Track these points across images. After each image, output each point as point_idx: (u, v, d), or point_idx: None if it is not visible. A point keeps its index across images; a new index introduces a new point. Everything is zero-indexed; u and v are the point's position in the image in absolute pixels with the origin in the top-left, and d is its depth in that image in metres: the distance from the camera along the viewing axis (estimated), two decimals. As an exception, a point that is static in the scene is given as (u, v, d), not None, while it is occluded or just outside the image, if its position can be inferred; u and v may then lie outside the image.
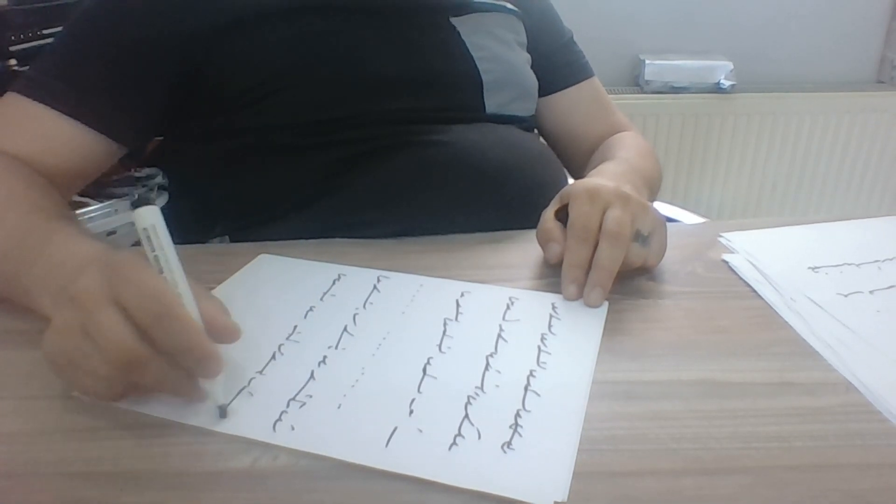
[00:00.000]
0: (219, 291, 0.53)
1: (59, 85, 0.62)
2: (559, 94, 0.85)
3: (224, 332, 0.40)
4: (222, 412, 0.39)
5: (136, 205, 0.40)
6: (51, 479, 0.35)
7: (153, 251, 0.39)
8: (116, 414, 0.40)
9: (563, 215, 0.56)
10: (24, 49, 1.29)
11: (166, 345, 0.37)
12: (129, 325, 0.37)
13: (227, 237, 0.68)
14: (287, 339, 0.47)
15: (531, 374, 0.43)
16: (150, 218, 0.39)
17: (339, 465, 0.36)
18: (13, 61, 1.26)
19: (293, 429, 0.38)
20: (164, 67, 0.65)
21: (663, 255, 0.57)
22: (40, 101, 0.61)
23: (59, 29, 0.67)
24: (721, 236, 0.63)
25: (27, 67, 0.66)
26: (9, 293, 0.51)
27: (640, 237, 0.54)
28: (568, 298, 0.52)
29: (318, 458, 0.37)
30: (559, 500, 0.34)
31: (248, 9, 0.65)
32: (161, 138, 0.74)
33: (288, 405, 0.40)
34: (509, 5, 0.79)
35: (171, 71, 0.65)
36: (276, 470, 0.36)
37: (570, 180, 0.79)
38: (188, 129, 0.69)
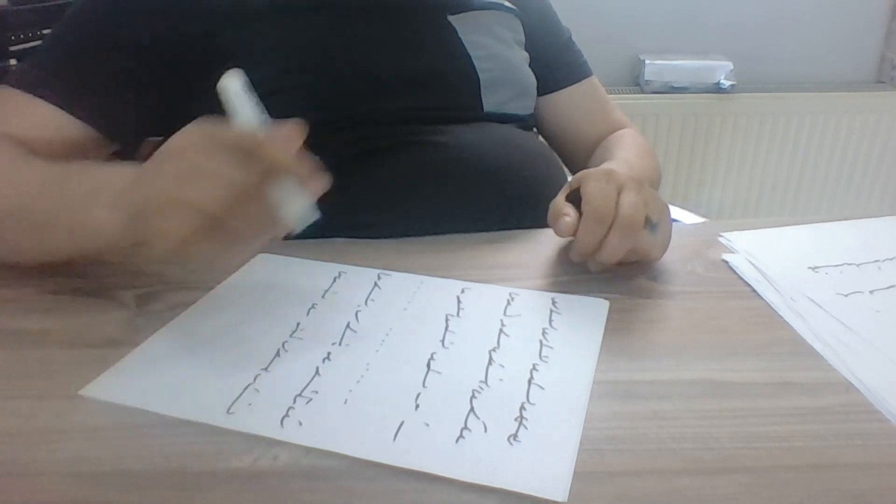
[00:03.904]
0: (219, 291, 0.53)
1: (50, 78, 0.62)
2: (558, 93, 0.85)
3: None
4: (304, 221, 0.45)
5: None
6: (51, 479, 0.35)
7: (238, 111, 0.46)
8: (116, 414, 0.40)
9: (574, 199, 0.55)
10: (24, 49, 1.29)
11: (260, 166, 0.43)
12: (230, 162, 0.43)
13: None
14: (290, 336, 0.47)
15: (534, 367, 0.44)
16: (236, 83, 0.47)
17: (339, 464, 0.36)
18: (13, 61, 1.26)
19: (301, 424, 0.39)
20: (158, 66, 0.65)
21: (666, 249, 0.57)
22: (31, 93, 0.61)
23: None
24: (721, 236, 0.63)
25: (20, 63, 0.66)
26: (56, 225, 0.52)
27: (650, 224, 0.53)
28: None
29: (319, 457, 0.37)
30: (565, 495, 0.34)
31: (241, 8, 0.65)
32: (161, 138, 0.74)
33: (294, 401, 0.40)
34: (507, 3, 0.79)
35: (165, 70, 0.65)
36: (277, 470, 0.36)
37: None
38: None
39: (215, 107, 0.68)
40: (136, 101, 0.65)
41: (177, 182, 0.43)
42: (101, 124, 0.64)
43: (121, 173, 0.50)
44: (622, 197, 0.52)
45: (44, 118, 0.62)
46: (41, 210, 0.53)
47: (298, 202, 0.45)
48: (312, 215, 0.46)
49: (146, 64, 0.64)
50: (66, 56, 0.64)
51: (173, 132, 0.70)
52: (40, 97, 0.61)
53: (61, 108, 0.62)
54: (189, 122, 0.69)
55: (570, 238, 0.54)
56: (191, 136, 0.46)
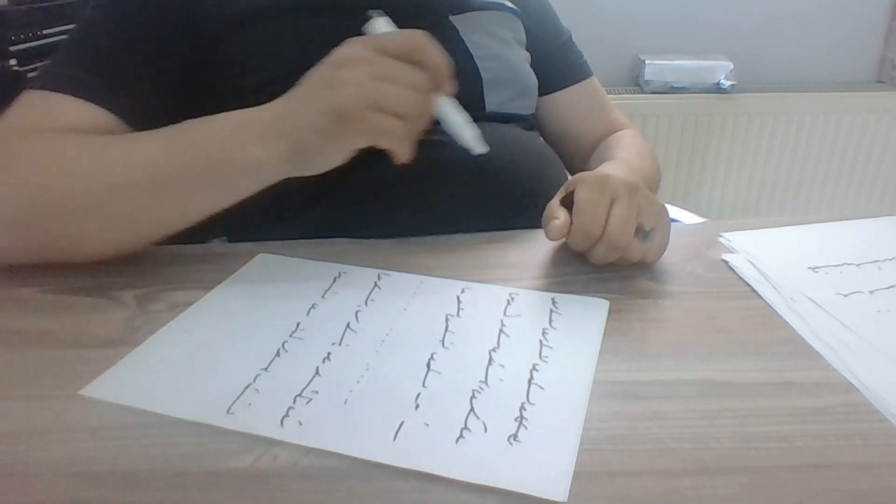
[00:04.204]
0: (219, 291, 0.53)
1: (84, 76, 0.60)
2: (558, 93, 0.85)
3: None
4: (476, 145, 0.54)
5: (364, 20, 0.53)
6: (50, 479, 0.35)
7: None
8: (116, 414, 0.40)
9: (568, 202, 0.56)
10: (24, 49, 1.29)
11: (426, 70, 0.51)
12: (405, 66, 0.49)
13: (225, 237, 0.68)
14: (290, 336, 0.47)
15: (534, 367, 0.44)
16: (381, 22, 0.53)
17: (339, 464, 0.36)
18: (13, 61, 1.26)
19: (301, 424, 0.39)
20: (178, 60, 0.64)
21: (664, 252, 0.57)
22: (61, 92, 0.59)
23: (60, 28, 0.66)
24: (721, 236, 0.63)
25: (42, 64, 0.65)
26: (191, 175, 0.53)
27: (641, 232, 0.54)
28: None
29: (319, 457, 0.37)
30: (565, 495, 0.34)
31: (245, 8, 0.65)
32: None
33: (294, 401, 0.40)
34: (508, 3, 0.79)
35: (182, 64, 0.65)
36: (276, 470, 0.36)
37: (570, 180, 0.79)
38: None
39: (222, 105, 0.68)
40: (162, 95, 0.65)
41: (365, 89, 0.48)
42: (133, 120, 0.62)
43: (254, 111, 0.53)
44: (613, 210, 0.53)
45: (81, 115, 0.60)
46: (167, 172, 0.52)
47: (462, 123, 0.52)
48: (481, 146, 0.54)
49: (168, 57, 0.64)
50: (98, 53, 0.63)
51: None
52: (78, 96, 0.59)
53: (99, 104, 0.60)
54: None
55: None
56: (353, 50, 0.50)
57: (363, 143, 0.52)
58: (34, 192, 0.53)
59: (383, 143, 0.51)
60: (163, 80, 0.65)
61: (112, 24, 0.64)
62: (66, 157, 0.54)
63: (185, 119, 0.66)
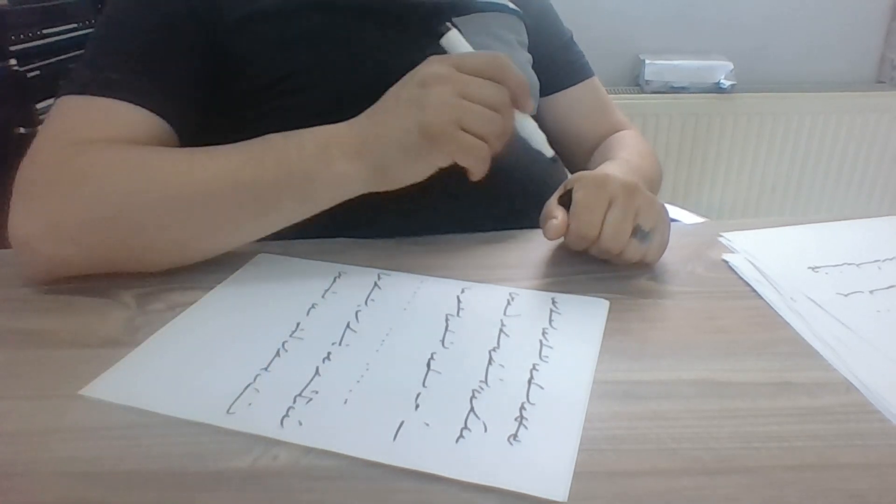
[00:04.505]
0: (219, 291, 0.53)
1: (125, 78, 0.59)
2: (559, 94, 0.85)
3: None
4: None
5: (440, 33, 0.56)
6: (51, 479, 0.35)
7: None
8: (116, 414, 0.40)
9: (566, 201, 0.56)
10: (24, 49, 1.29)
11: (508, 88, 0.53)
12: (488, 85, 0.51)
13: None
14: (290, 336, 0.47)
15: (534, 367, 0.44)
16: (457, 34, 0.56)
17: (339, 464, 0.36)
18: (13, 61, 1.26)
19: (301, 424, 0.39)
20: (201, 59, 0.64)
21: (664, 252, 0.57)
22: (111, 97, 0.58)
23: (60, 28, 0.66)
24: (721, 236, 0.63)
25: (72, 66, 0.62)
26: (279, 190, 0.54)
27: (639, 232, 0.54)
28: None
29: (319, 457, 0.37)
30: (565, 495, 0.34)
31: (249, 8, 0.65)
32: None
33: (294, 401, 0.40)
34: (511, 5, 0.79)
35: (204, 63, 0.64)
36: (276, 470, 0.36)
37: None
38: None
39: (226, 104, 0.67)
40: (194, 97, 0.64)
41: (451, 109, 0.50)
42: (178, 125, 0.62)
43: (338, 127, 0.55)
44: (609, 214, 0.53)
45: (136, 122, 0.58)
46: (253, 188, 0.53)
47: (535, 128, 0.53)
48: (550, 150, 0.57)
49: (197, 56, 0.63)
50: (133, 52, 0.61)
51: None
52: (129, 101, 0.58)
53: (151, 110, 0.59)
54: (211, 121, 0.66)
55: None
56: (438, 68, 0.51)
57: (446, 162, 0.53)
58: (114, 207, 0.52)
59: (464, 161, 0.53)
60: (194, 81, 0.64)
61: (142, 20, 0.62)
62: (147, 171, 0.53)
63: (212, 125, 0.65)
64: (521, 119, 0.56)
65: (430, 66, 0.53)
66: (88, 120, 0.57)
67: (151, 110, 0.59)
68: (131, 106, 0.58)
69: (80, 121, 0.57)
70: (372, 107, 0.55)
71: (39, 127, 0.59)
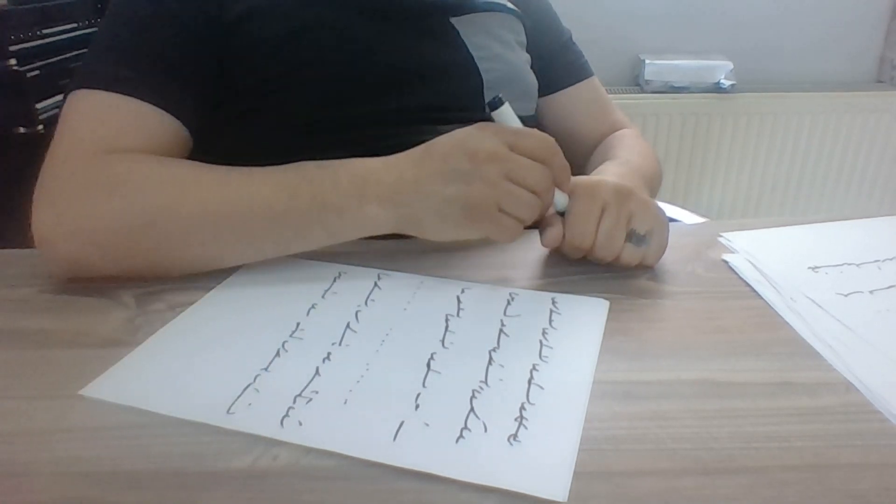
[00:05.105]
0: (219, 291, 0.53)
1: (141, 77, 0.59)
2: (559, 93, 0.85)
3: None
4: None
5: (493, 105, 0.54)
6: (50, 479, 0.35)
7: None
8: (116, 414, 0.40)
9: None
10: (23, 49, 1.29)
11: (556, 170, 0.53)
12: (535, 168, 0.51)
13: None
14: (290, 336, 0.47)
15: (534, 367, 0.44)
16: (508, 108, 0.55)
17: (339, 464, 0.36)
18: (13, 61, 1.26)
19: (301, 424, 0.39)
20: (208, 56, 0.64)
21: (662, 254, 0.57)
22: (128, 95, 0.57)
23: (60, 28, 0.65)
24: (721, 236, 0.63)
25: (82, 60, 0.61)
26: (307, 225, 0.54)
27: (635, 237, 0.54)
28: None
29: (319, 457, 0.37)
30: (565, 495, 0.34)
31: (248, 7, 0.65)
32: None
33: (294, 401, 0.40)
34: (509, 5, 0.79)
35: (210, 60, 0.64)
36: (276, 470, 0.36)
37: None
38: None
39: (227, 103, 0.67)
40: (202, 96, 0.64)
41: (497, 191, 0.50)
42: (192, 123, 0.62)
43: (375, 166, 0.54)
44: (602, 223, 0.54)
45: (156, 124, 0.59)
46: (283, 215, 0.53)
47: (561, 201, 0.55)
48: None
49: (206, 53, 0.63)
50: (144, 48, 0.61)
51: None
52: (147, 101, 0.58)
53: (168, 111, 0.59)
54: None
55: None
56: (491, 144, 0.51)
57: (479, 236, 0.53)
58: (145, 218, 0.52)
59: (497, 239, 0.53)
60: (203, 77, 0.64)
61: (155, 18, 0.62)
62: (181, 186, 0.53)
63: (209, 121, 0.65)
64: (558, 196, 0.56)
65: (483, 142, 0.52)
66: (118, 125, 0.57)
67: (172, 113, 0.59)
68: (156, 110, 0.58)
69: (109, 125, 0.57)
70: (413, 152, 0.54)
71: (57, 122, 0.58)
